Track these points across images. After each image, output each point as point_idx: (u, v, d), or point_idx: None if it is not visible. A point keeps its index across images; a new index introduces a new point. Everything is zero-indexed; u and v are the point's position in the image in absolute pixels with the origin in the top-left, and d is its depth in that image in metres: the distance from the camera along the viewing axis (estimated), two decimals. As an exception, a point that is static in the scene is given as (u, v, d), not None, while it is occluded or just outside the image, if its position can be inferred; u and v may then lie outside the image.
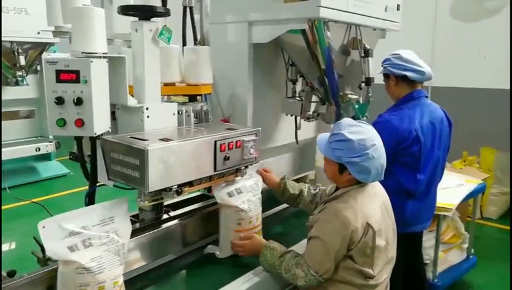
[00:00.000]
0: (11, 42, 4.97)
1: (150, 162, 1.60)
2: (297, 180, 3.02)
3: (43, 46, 5.33)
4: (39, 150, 5.80)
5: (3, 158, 4.86)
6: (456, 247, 3.50)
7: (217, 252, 2.14)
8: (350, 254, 1.74)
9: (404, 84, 2.49)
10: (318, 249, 1.74)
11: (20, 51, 5.04)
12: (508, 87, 5.15)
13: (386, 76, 2.57)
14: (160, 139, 1.72)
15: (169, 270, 2.01)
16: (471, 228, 3.64)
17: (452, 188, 3.36)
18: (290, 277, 1.80)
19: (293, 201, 2.30)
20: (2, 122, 5.73)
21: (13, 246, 4.12)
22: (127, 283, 1.83)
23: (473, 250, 3.64)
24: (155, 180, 1.64)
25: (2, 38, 4.84)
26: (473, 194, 3.47)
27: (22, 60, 5.09)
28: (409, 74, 2.43)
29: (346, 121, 1.84)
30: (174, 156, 1.70)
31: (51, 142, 5.90)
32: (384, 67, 2.55)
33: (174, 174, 1.72)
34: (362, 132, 1.77)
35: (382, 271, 1.83)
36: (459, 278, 3.54)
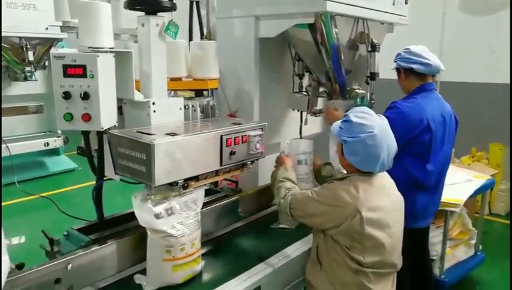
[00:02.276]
0: (20, 38, 5.02)
1: (157, 156, 1.61)
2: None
3: (51, 42, 5.37)
4: (48, 145, 5.87)
5: (12, 153, 4.90)
6: (463, 243, 3.47)
7: (144, 283, 1.80)
8: (336, 233, 1.81)
9: (413, 77, 2.50)
10: (306, 195, 1.94)
11: (28, 46, 5.09)
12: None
13: (398, 70, 2.58)
14: (166, 134, 1.72)
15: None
16: (479, 224, 3.61)
17: (460, 183, 3.34)
18: (276, 192, 2.08)
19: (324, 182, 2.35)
20: (11, 117, 5.80)
21: (22, 239, 4.17)
22: (131, 278, 1.85)
23: (480, 246, 3.61)
24: (161, 175, 1.65)
25: (11, 34, 4.89)
26: (481, 190, 3.44)
27: (31, 56, 5.14)
28: (415, 66, 2.45)
29: (360, 108, 1.93)
30: (181, 151, 1.71)
31: (59, 137, 5.97)
32: (395, 62, 2.57)
33: (180, 169, 1.73)
34: (366, 119, 1.84)
35: (379, 263, 1.84)
36: (467, 274, 3.51)
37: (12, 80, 5.46)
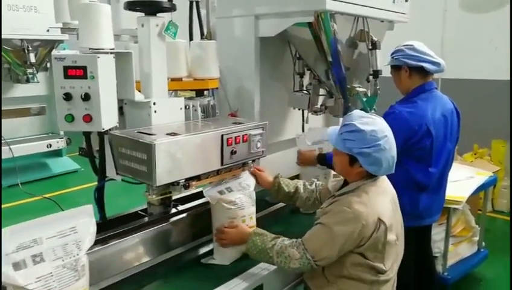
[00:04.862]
0: (21, 40, 5.05)
1: (157, 156, 1.62)
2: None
3: (52, 44, 5.40)
4: (50, 146, 5.90)
5: (15, 154, 4.93)
6: (466, 240, 3.47)
7: None
8: (360, 250, 1.72)
9: (418, 76, 2.42)
10: (322, 236, 1.72)
11: (30, 48, 5.11)
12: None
13: (397, 68, 2.48)
14: (167, 134, 1.73)
15: (177, 264, 2.02)
16: (481, 221, 3.61)
17: (462, 180, 3.33)
18: (282, 260, 1.75)
19: (289, 199, 2.21)
20: (14, 119, 5.84)
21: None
22: (133, 278, 1.85)
23: (483, 243, 3.61)
24: (163, 174, 1.66)
25: (13, 36, 4.92)
26: (483, 187, 3.43)
27: (32, 58, 5.17)
28: (425, 65, 2.36)
29: (357, 112, 1.83)
30: (181, 150, 1.71)
31: (62, 138, 6.01)
32: (396, 58, 2.45)
33: (181, 168, 1.73)
34: (373, 123, 1.76)
35: (392, 266, 1.83)
36: (470, 271, 3.51)
37: (14, 82, 5.50)
